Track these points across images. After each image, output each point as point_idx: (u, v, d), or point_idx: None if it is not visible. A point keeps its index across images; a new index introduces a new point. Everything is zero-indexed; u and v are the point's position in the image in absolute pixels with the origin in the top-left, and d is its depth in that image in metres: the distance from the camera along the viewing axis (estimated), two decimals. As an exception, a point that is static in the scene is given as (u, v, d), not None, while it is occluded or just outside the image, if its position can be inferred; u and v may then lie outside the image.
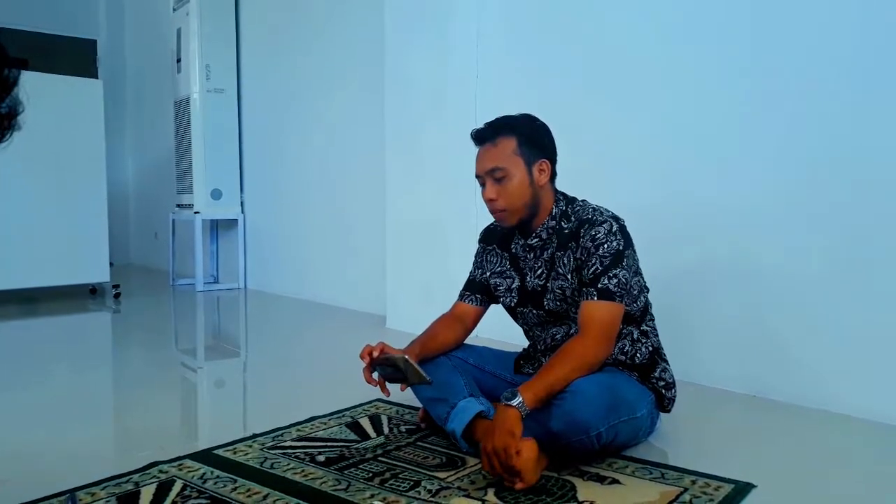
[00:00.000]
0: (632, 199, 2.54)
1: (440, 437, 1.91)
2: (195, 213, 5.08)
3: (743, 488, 1.59)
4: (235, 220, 5.25)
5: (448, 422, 1.77)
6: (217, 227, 5.54)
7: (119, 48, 6.93)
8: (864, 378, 2.16)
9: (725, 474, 1.65)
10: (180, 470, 1.68)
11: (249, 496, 1.53)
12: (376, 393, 1.90)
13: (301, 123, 4.66)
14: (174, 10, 5.27)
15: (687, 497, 1.54)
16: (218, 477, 1.64)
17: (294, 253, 4.81)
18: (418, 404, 2.01)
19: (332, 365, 2.88)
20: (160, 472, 1.66)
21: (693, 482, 1.62)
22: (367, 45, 3.96)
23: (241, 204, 5.27)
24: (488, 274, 2.02)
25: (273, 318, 4.30)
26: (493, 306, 2.07)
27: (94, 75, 5.01)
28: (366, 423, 2.04)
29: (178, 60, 5.23)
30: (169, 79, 5.47)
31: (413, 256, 3.50)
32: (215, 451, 1.80)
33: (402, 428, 2.01)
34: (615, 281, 1.72)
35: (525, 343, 2.07)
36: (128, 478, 1.62)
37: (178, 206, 5.37)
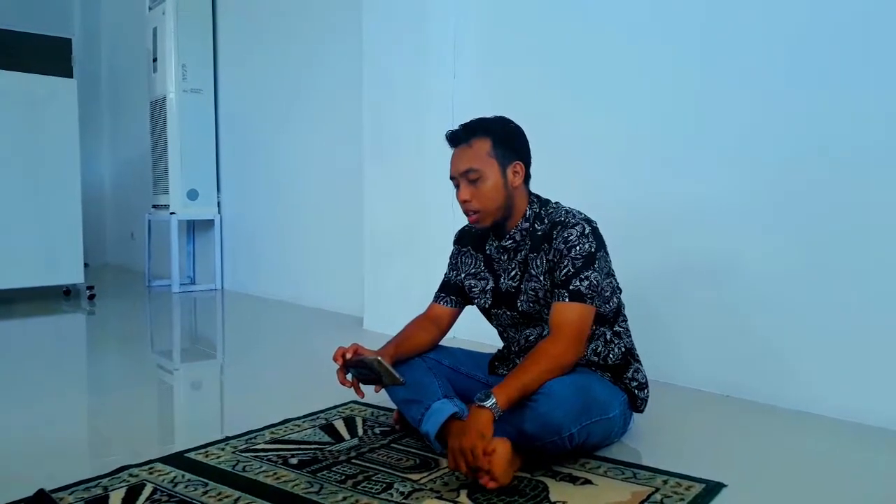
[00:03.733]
0: (608, 198, 2.57)
1: (415, 439, 1.90)
2: (171, 213, 5.04)
3: (713, 488, 1.60)
4: (212, 221, 5.21)
5: (422, 423, 1.76)
6: (194, 228, 5.50)
7: (94, 47, 6.85)
8: (836, 378, 2.18)
9: (697, 474, 1.67)
10: (151, 473, 1.66)
11: (220, 500, 1.52)
12: (352, 395, 1.89)
13: (278, 124, 4.63)
14: (150, 8, 5.22)
15: (658, 497, 1.55)
16: (189, 480, 1.62)
17: (271, 254, 4.79)
18: (393, 406, 2.01)
19: (308, 367, 2.86)
20: (130, 475, 1.64)
21: (665, 482, 1.63)
22: (345, 46, 3.95)
23: (218, 204, 5.23)
24: (463, 275, 2.02)
25: (249, 319, 4.27)
26: (468, 308, 2.08)
27: (69, 74, 4.96)
28: (340, 426, 2.03)
29: (154, 60, 5.18)
30: (145, 78, 5.42)
31: (391, 257, 3.49)
32: (187, 455, 1.79)
33: (377, 430, 2.00)
34: (586, 283, 1.73)
35: (500, 344, 2.07)
36: (97, 482, 1.60)
37: (155, 206, 5.32)
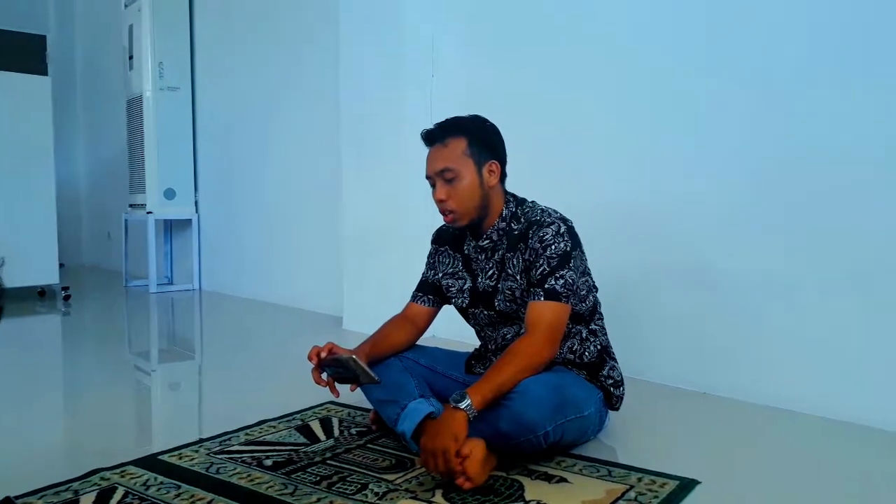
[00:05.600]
0: (586, 198, 2.58)
1: (391, 439, 1.90)
2: (148, 213, 4.99)
3: (687, 484, 1.61)
4: (189, 221, 5.16)
5: (398, 423, 1.75)
6: (171, 228, 5.45)
7: (69, 44, 6.76)
8: (812, 376, 2.20)
9: (672, 471, 1.68)
10: (122, 477, 1.64)
11: (193, 502, 1.51)
12: (328, 395, 1.88)
13: (256, 122, 4.60)
14: (126, 6, 5.17)
15: (633, 494, 1.55)
16: (161, 483, 1.60)
17: (249, 253, 4.75)
18: (370, 406, 2.00)
19: (286, 367, 2.84)
20: (101, 479, 1.62)
21: (639, 479, 1.63)
22: (322, 44, 3.93)
23: (196, 204, 5.18)
24: (440, 275, 2.02)
25: (227, 319, 4.24)
26: (446, 307, 2.07)
27: (43, 72, 4.88)
28: (316, 426, 2.02)
29: (131, 57, 5.13)
30: (121, 76, 5.36)
31: (369, 257, 3.48)
32: (160, 457, 1.77)
33: (353, 430, 1.99)
34: (562, 282, 1.73)
35: (477, 343, 2.07)
36: (67, 486, 1.58)
37: (131, 205, 5.27)
